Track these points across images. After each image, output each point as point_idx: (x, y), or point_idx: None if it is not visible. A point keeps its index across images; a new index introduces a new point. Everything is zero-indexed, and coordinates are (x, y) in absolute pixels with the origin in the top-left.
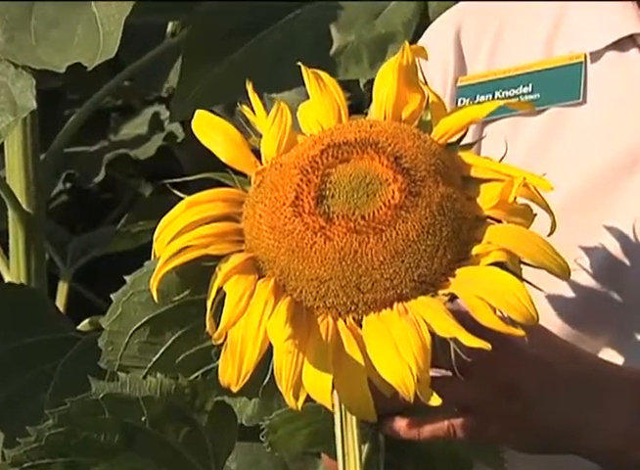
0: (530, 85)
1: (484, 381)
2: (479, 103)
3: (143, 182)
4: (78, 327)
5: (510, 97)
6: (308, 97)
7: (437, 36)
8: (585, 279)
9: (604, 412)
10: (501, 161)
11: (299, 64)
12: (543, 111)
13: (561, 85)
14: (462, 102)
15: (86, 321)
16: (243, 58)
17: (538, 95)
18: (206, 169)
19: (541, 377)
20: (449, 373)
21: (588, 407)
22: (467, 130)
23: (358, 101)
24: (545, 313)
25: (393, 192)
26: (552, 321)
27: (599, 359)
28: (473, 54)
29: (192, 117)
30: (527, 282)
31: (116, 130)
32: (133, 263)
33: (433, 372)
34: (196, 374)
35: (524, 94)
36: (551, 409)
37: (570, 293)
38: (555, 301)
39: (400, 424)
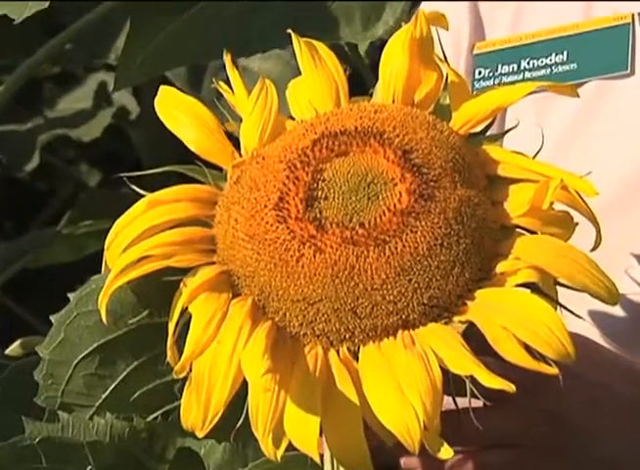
0: (565, 53)
1: (522, 411)
2: (501, 75)
3: (87, 170)
4: (6, 351)
5: (540, 67)
6: (299, 72)
7: None
8: (635, 293)
9: None
10: (535, 157)
11: (289, 30)
12: (580, 85)
13: (603, 53)
14: (480, 73)
15: (16, 344)
16: (204, 14)
17: (575, 65)
18: (167, 156)
19: (593, 402)
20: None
21: None
22: (494, 118)
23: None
24: (585, 333)
25: (400, 194)
26: None
27: None
28: (493, 15)
29: (145, 85)
30: (564, 308)
31: (53, 104)
32: (76, 273)
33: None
34: (155, 414)
35: (557, 64)
36: (608, 440)
37: (615, 309)
38: (597, 318)
39: (415, 461)
